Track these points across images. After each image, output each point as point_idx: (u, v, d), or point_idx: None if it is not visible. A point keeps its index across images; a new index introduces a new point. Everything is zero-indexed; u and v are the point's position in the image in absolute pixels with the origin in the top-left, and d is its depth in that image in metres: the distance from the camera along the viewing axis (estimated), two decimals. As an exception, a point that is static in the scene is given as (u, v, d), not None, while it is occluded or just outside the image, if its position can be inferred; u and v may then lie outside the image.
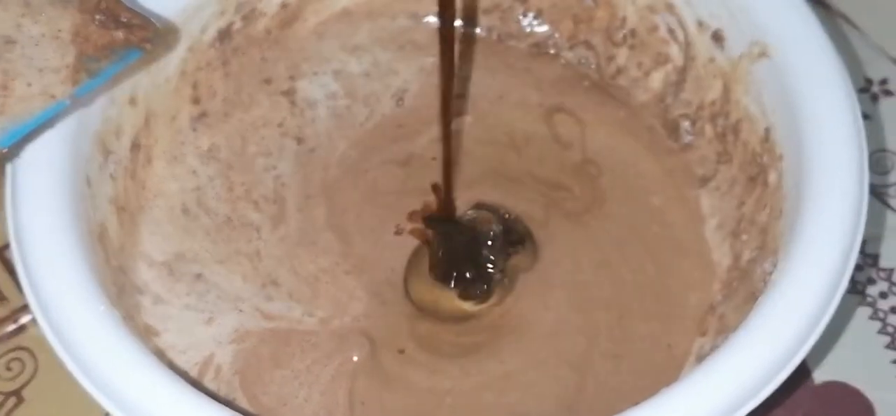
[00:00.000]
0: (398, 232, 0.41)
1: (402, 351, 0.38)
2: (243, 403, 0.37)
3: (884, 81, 0.48)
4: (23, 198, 0.34)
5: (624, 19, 0.44)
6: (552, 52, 0.45)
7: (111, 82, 0.37)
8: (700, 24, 0.41)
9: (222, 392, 0.37)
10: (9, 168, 0.35)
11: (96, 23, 0.35)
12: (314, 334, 0.38)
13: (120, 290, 0.36)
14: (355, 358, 0.37)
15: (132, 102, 0.39)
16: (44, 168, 0.35)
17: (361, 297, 0.39)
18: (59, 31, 0.35)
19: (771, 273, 0.35)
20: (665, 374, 0.37)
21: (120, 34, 0.35)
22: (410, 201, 0.41)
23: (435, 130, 0.41)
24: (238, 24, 0.43)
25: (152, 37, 0.35)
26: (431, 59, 0.44)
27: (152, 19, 0.36)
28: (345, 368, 0.37)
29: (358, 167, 0.42)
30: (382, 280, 0.39)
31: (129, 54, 0.35)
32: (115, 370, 0.32)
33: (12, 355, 0.40)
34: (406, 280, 0.40)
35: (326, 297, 0.39)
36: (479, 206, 0.41)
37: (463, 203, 0.41)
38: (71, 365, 0.32)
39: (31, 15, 0.34)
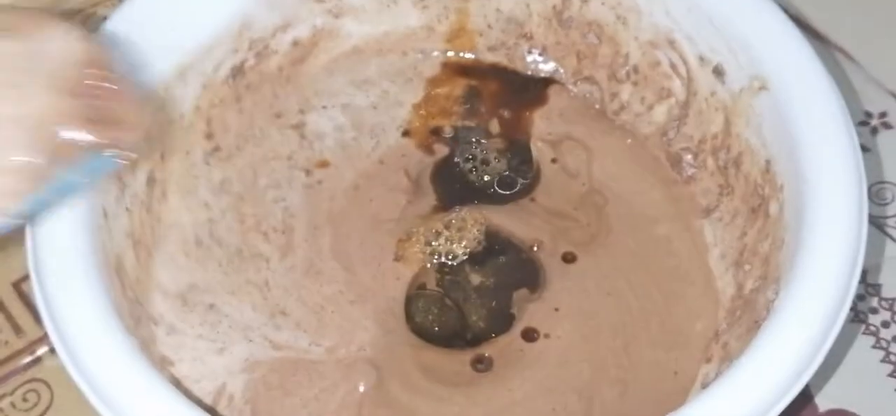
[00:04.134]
0: (397, 259, 0.41)
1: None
2: (256, 431, 0.37)
3: (883, 114, 0.48)
4: (42, 231, 0.35)
5: (627, 55, 0.44)
6: (560, 82, 0.46)
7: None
8: (701, 59, 0.42)
9: (236, 421, 0.38)
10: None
11: (76, 111, 0.28)
12: (321, 363, 0.38)
13: (136, 321, 0.37)
14: (362, 387, 0.38)
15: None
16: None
17: (367, 326, 0.39)
18: (25, 116, 0.28)
19: (773, 301, 0.35)
20: (671, 400, 0.37)
21: (98, 134, 0.28)
22: (409, 226, 0.42)
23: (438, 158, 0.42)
24: (251, 62, 0.44)
25: (137, 143, 0.28)
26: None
27: (145, 109, 0.29)
28: (352, 397, 0.38)
29: (363, 197, 0.43)
30: (385, 309, 0.40)
31: (101, 163, 0.29)
32: (133, 400, 0.32)
33: (28, 386, 0.41)
34: (407, 311, 0.40)
35: (332, 326, 0.39)
36: (488, 232, 0.42)
37: (473, 223, 0.42)
38: (90, 395, 0.32)
39: (12, 85, 0.28)
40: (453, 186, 0.43)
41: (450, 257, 0.41)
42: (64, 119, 0.28)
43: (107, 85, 0.29)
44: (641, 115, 0.45)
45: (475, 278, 0.41)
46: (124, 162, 0.29)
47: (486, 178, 0.44)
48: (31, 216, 0.29)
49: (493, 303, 0.40)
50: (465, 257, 0.41)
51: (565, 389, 0.38)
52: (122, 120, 0.29)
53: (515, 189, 0.43)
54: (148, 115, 0.31)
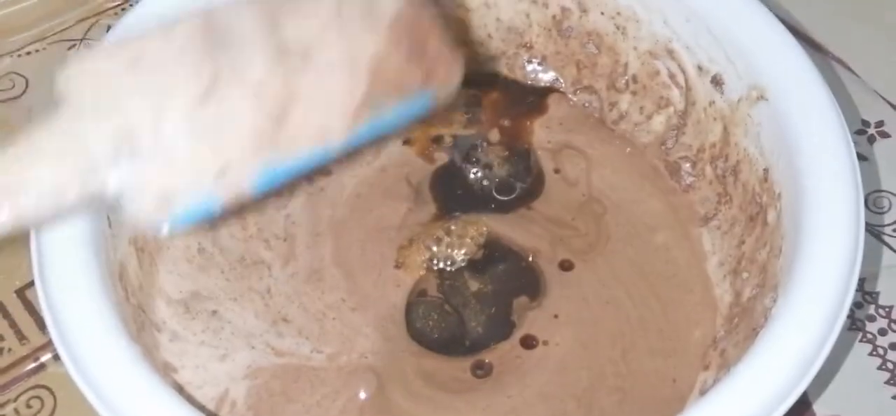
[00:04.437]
0: (398, 266, 0.41)
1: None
2: (259, 437, 0.38)
3: (880, 124, 0.48)
4: (46, 237, 0.35)
5: (626, 65, 0.44)
6: (560, 91, 0.46)
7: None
8: (700, 68, 0.42)
9: (238, 427, 0.38)
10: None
11: (400, 54, 0.29)
12: (323, 370, 0.39)
13: (140, 327, 0.37)
14: (362, 395, 0.38)
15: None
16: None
17: (368, 334, 0.39)
18: (359, 56, 0.29)
19: (771, 309, 0.35)
20: (669, 408, 0.37)
21: (419, 72, 0.29)
22: (409, 234, 0.42)
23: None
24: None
25: (449, 83, 0.30)
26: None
27: (457, 59, 0.30)
28: (353, 404, 0.38)
29: (364, 204, 0.43)
30: (386, 316, 0.40)
31: (419, 100, 0.30)
32: (136, 406, 0.32)
33: (32, 392, 0.41)
34: (407, 318, 0.40)
35: (334, 334, 0.39)
36: (488, 240, 0.42)
37: (473, 231, 0.42)
38: (94, 401, 0.32)
39: (338, 28, 0.29)
40: (453, 194, 0.43)
41: (450, 264, 0.41)
42: (387, 58, 0.29)
43: (425, 27, 0.30)
44: (640, 124, 0.45)
45: (475, 285, 0.41)
46: (439, 103, 0.30)
47: (485, 183, 0.44)
48: (347, 152, 0.30)
49: (493, 310, 0.40)
50: (465, 265, 0.41)
51: (564, 396, 0.38)
52: (439, 62, 0.30)
53: (514, 194, 0.44)
54: (461, 60, 0.31)
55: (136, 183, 0.29)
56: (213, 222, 0.31)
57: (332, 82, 0.29)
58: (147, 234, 0.40)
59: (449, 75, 0.30)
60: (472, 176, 0.44)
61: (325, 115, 0.29)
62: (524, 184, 0.44)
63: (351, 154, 0.32)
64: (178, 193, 0.29)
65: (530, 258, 0.41)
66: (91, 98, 0.29)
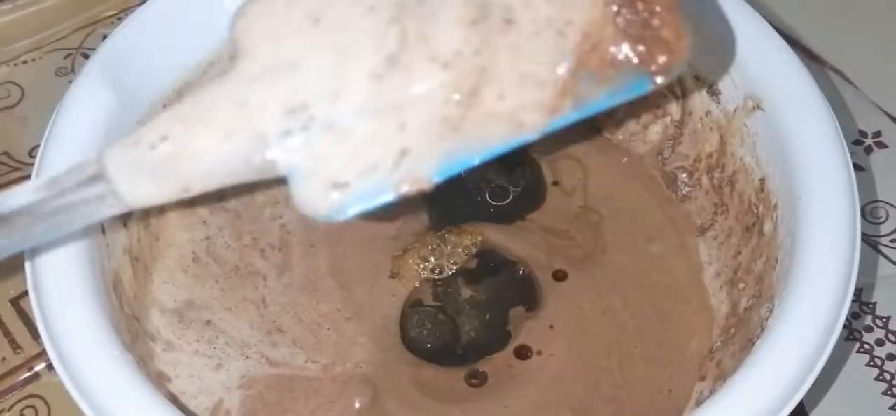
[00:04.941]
0: (393, 276, 0.41)
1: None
2: (253, 447, 0.37)
3: (877, 134, 0.48)
4: (40, 246, 0.35)
5: (623, 74, 0.45)
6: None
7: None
8: (697, 78, 0.42)
9: (232, 437, 0.38)
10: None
11: (618, 23, 0.24)
12: (317, 380, 0.38)
13: (133, 337, 0.37)
14: (357, 404, 0.38)
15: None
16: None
17: (363, 343, 0.39)
18: (569, 22, 0.25)
19: (767, 319, 0.35)
20: (666, 418, 0.37)
21: (636, 52, 0.25)
22: (404, 243, 0.42)
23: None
24: (249, 79, 0.44)
25: (672, 65, 0.25)
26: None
27: (688, 31, 0.25)
28: (347, 414, 0.38)
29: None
30: (381, 326, 0.40)
31: (635, 84, 0.25)
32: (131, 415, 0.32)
33: (26, 402, 0.41)
34: (402, 327, 0.40)
35: (329, 343, 0.39)
36: (484, 249, 0.42)
37: (468, 241, 0.42)
38: (87, 411, 0.32)
39: None
40: (448, 204, 0.43)
41: (444, 274, 0.41)
42: (607, 32, 0.25)
43: (651, 1, 0.26)
44: (637, 134, 0.45)
45: (470, 295, 0.41)
46: (659, 85, 0.25)
47: (479, 187, 0.44)
48: (552, 132, 0.25)
49: (489, 320, 0.40)
50: (459, 274, 0.41)
51: (560, 406, 0.38)
52: (664, 39, 0.26)
53: (509, 200, 0.43)
54: (689, 35, 0.26)
55: (307, 162, 0.26)
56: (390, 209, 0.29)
57: (533, 51, 0.25)
58: (142, 242, 0.39)
59: (673, 56, 0.25)
60: (469, 181, 0.44)
61: (520, 97, 0.25)
62: (517, 189, 0.44)
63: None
64: (350, 175, 0.26)
65: (520, 272, 0.41)
66: (264, 57, 0.26)
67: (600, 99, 0.26)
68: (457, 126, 0.25)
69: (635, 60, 0.25)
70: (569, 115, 0.25)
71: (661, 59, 0.25)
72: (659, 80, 0.26)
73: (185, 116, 0.27)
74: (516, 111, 0.25)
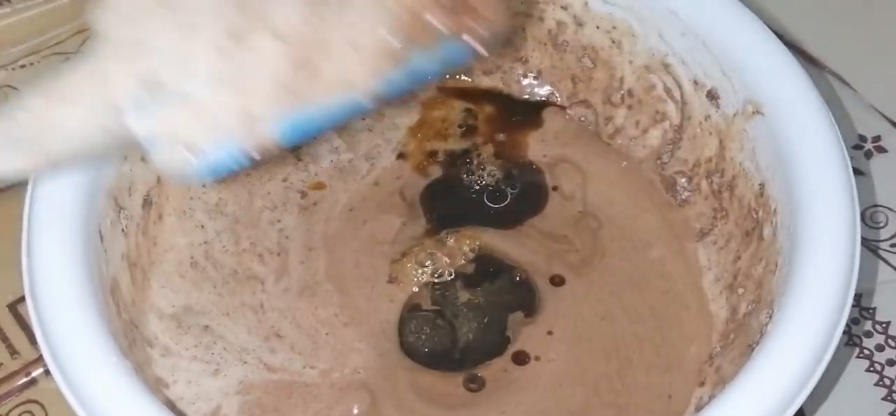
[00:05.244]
0: (391, 281, 0.41)
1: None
2: (250, 453, 0.37)
3: (877, 138, 0.48)
4: (38, 251, 0.35)
5: (622, 79, 0.44)
6: (555, 105, 0.46)
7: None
8: (696, 83, 0.42)
9: (230, 443, 0.38)
10: (25, 222, 0.36)
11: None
12: (316, 386, 0.38)
13: (131, 343, 0.37)
14: (356, 410, 0.38)
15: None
16: (58, 223, 0.35)
17: (361, 349, 0.39)
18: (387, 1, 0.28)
19: (767, 324, 0.35)
20: (665, 424, 0.37)
21: (450, 20, 0.28)
22: (403, 248, 0.42)
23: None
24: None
25: (491, 39, 0.28)
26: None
27: (501, 4, 0.28)
28: (346, 420, 0.38)
29: (358, 218, 0.43)
30: (379, 331, 0.40)
31: (454, 52, 0.29)
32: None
33: (23, 407, 0.41)
34: (400, 332, 0.40)
35: (327, 349, 0.39)
36: (483, 254, 0.42)
37: (467, 245, 0.42)
38: (84, 416, 0.32)
39: None
40: (447, 209, 0.43)
41: (443, 279, 0.41)
42: (424, 3, 0.28)
43: None
44: (636, 138, 0.45)
45: (468, 299, 0.41)
46: (479, 54, 0.29)
47: (476, 188, 0.44)
48: (382, 100, 0.29)
49: (487, 325, 0.40)
50: (458, 279, 0.41)
51: (559, 411, 0.38)
52: (479, 11, 0.29)
53: (506, 202, 0.43)
54: (503, 9, 0.30)
55: (161, 128, 0.29)
56: (245, 172, 0.31)
57: (361, 23, 0.28)
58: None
59: (489, 27, 0.29)
60: (463, 179, 0.44)
61: (349, 63, 0.28)
62: (515, 190, 0.44)
63: (390, 103, 0.32)
64: (202, 140, 0.29)
65: (519, 277, 0.41)
66: (116, 37, 0.29)
67: (423, 64, 0.29)
68: (296, 92, 0.28)
69: (447, 29, 0.28)
70: (394, 76, 0.28)
71: (473, 28, 0.29)
72: (479, 50, 0.29)
73: (46, 91, 0.29)
74: (345, 74, 0.28)
